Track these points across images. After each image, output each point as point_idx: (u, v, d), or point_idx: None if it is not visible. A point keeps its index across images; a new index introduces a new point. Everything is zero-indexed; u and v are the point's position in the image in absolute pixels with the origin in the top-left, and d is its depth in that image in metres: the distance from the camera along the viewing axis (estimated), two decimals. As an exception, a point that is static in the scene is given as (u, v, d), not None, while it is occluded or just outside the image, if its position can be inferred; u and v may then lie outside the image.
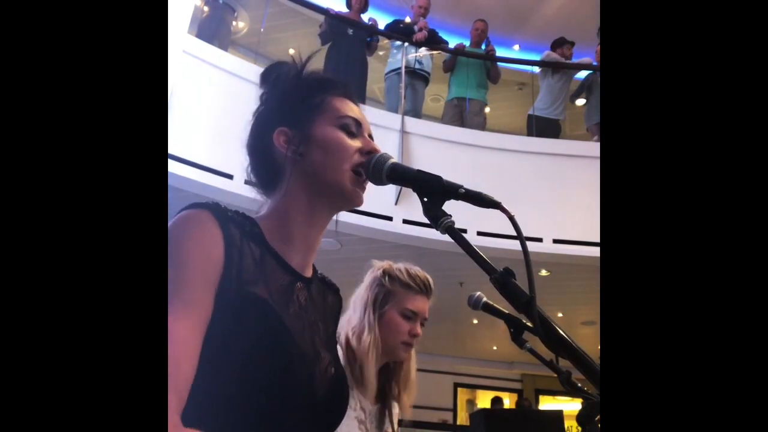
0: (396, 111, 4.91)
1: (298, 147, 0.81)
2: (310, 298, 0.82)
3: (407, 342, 1.41)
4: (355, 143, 0.82)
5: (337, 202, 0.83)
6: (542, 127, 5.42)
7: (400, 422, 1.51)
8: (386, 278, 1.43)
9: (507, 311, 1.20)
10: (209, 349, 0.65)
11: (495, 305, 1.29)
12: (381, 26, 5.57)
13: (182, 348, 0.63)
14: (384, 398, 1.44)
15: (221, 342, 0.66)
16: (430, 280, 1.49)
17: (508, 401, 8.95)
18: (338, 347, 1.27)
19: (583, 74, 5.94)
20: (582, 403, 1.11)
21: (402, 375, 1.46)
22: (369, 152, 0.82)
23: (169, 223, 0.70)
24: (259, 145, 0.85)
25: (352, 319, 1.42)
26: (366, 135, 0.84)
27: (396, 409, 1.47)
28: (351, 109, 0.85)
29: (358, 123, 0.84)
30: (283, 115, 0.83)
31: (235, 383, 0.67)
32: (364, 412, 1.38)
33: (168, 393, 0.58)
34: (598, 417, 1.09)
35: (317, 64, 0.91)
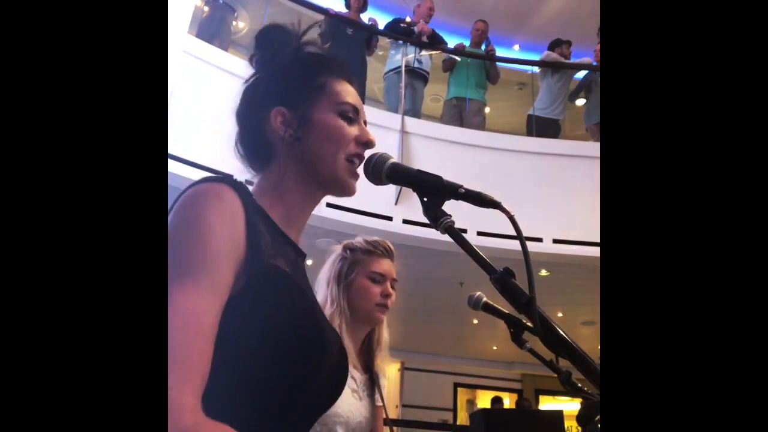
0: (395, 110, 4.91)
1: (295, 130, 0.79)
2: (305, 273, 0.82)
3: (381, 303, 1.45)
4: (353, 131, 0.81)
5: (330, 189, 0.83)
6: (542, 127, 5.42)
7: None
8: (347, 251, 1.49)
9: (507, 311, 1.20)
10: (239, 323, 0.64)
11: (495, 305, 1.29)
12: (381, 26, 5.57)
13: (207, 327, 0.61)
14: (370, 368, 1.49)
15: (251, 316, 0.65)
16: (390, 244, 1.54)
17: (508, 401, 8.94)
18: None
19: (582, 74, 5.94)
20: (582, 403, 1.11)
21: (375, 341, 1.51)
22: (365, 143, 0.82)
23: (184, 198, 0.68)
24: (252, 119, 0.82)
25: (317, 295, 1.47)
26: (362, 122, 0.84)
27: (383, 380, 1.51)
28: (350, 93, 0.83)
29: (356, 109, 0.83)
30: (281, 93, 0.81)
31: (266, 358, 0.66)
32: (355, 381, 1.42)
33: (186, 376, 0.57)
34: (598, 417, 1.09)
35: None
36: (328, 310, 1.41)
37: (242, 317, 0.65)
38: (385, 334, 1.54)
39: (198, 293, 0.62)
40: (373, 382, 1.48)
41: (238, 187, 0.71)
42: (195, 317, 0.61)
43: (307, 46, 0.84)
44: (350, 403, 1.37)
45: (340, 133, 0.80)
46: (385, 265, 1.48)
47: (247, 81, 0.85)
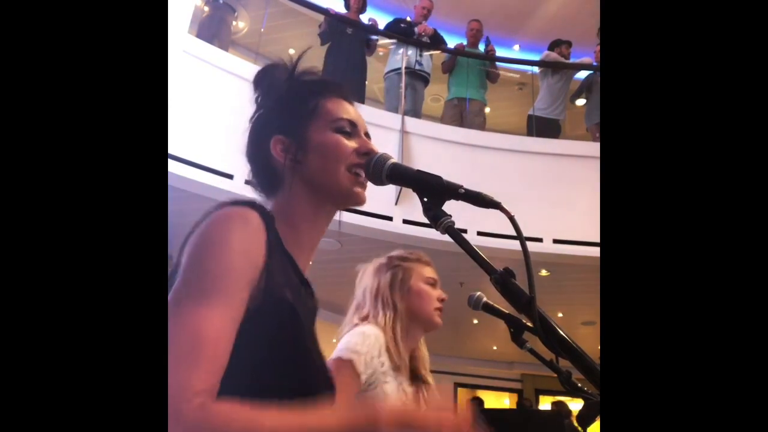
0: (396, 111, 4.91)
1: (295, 155, 0.81)
2: (309, 300, 0.82)
3: (439, 307, 1.50)
4: (351, 144, 0.82)
5: (339, 203, 0.84)
6: (542, 127, 5.41)
7: None
8: (397, 260, 1.52)
9: (507, 311, 1.20)
10: (243, 347, 0.65)
11: (495, 305, 1.30)
12: (381, 26, 5.57)
13: (222, 341, 0.62)
14: (417, 381, 1.49)
15: (253, 344, 0.66)
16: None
17: (508, 401, 8.94)
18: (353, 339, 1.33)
19: (583, 74, 5.94)
20: (552, 404, 1.11)
21: (420, 356, 1.52)
22: (366, 153, 0.82)
23: (213, 218, 0.70)
24: (257, 153, 0.85)
25: (362, 307, 1.47)
26: (362, 134, 0.85)
27: (425, 393, 1.51)
28: (345, 110, 0.85)
29: (353, 124, 0.84)
30: (278, 123, 0.84)
31: (261, 383, 0.67)
32: (405, 395, 1.42)
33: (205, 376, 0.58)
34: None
35: (316, 62, 0.91)
36: (380, 319, 1.41)
37: (245, 343, 0.65)
38: (425, 350, 1.55)
39: (214, 311, 0.63)
40: (419, 396, 1.48)
41: (264, 212, 0.72)
42: (208, 334, 0.61)
43: (300, 75, 0.87)
44: None
45: (337, 147, 0.81)
46: (434, 272, 1.54)
47: (251, 119, 0.87)
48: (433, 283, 1.51)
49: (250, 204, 0.72)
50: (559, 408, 5.67)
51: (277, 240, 0.76)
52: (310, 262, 0.87)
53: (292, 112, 0.84)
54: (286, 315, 0.71)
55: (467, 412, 0.68)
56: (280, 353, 0.69)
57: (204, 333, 0.61)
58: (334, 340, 1.41)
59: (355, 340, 1.33)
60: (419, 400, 1.47)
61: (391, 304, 1.43)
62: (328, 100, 0.85)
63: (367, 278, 1.52)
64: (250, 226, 0.69)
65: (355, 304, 1.50)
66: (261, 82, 0.87)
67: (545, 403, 9.05)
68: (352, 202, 0.83)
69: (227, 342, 0.63)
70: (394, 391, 1.36)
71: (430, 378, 1.51)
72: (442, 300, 1.51)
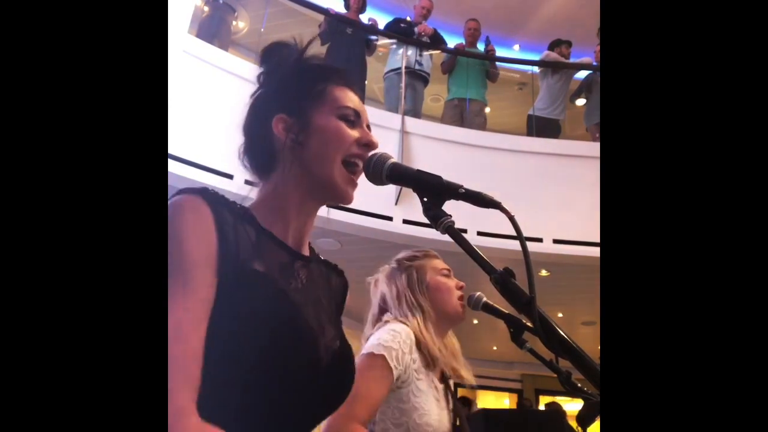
0: (396, 111, 4.91)
1: (297, 135, 0.81)
2: (311, 277, 0.82)
3: (460, 297, 1.48)
4: (353, 133, 0.82)
5: (327, 196, 0.83)
6: (542, 127, 5.42)
7: None
8: (407, 261, 1.50)
9: (507, 311, 1.20)
10: (212, 327, 0.65)
11: (495, 305, 1.30)
12: (381, 26, 5.57)
13: (192, 332, 0.63)
14: (446, 377, 1.49)
15: (222, 318, 0.66)
16: None
17: (508, 401, 8.93)
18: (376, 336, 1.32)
19: (583, 74, 5.94)
20: (553, 405, 1.11)
21: (451, 349, 1.51)
22: (366, 144, 0.82)
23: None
24: (256, 129, 0.84)
25: (387, 312, 1.45)
26: (364, 125, 0.85)
27: (451, 387, 1.51)
28: (351, 99, 0.85)
29: (357, 113, 0.84)
30: (283, 102, 0.83)
31: (239, 355, 0.67)
32: (437, 390, 1.41)
33: (180, 382, 0.59)
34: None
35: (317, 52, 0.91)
36: (410, 320, 1.39)
37: (218, 320, 0.66)
38: (455, 342, 1.53)
39: (179, 303, 0.63)
40: (447, 391, 1.47)
41: (210, 197, 0.72)
42: (179, 324, 0.62)
43: (309, 59, 0.87)
44: (437, 413, 1.36)
45: (339, 135, 0.81)
46: (444, 264, 1.52)
47: (252, 95, 0.87)
48: (447, 274, 1.50)
49: (193, 190, 0.72)
50: (554, 408, 5.68)
51: (248, 218, 0.75)
52: (308, 245, 0.86)
53: (298, 93, 0.83)
54: (251, 283, 0.70)
55: None
56: (253, 322, 0.68)
57: (175, 331, 0.61)
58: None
59: (386, 337, 1.32)
60: (447, 395, 1.45)
61: (417, 306, 1.42)
62: (335, 87, 0.85)
63: (382, 286, 1.50)
64: (195, 210, 0.69)
65: (374, 312, 1.48)
66: (269, 58, 0.87)
67: (545, 404, 9.06)
68: (339, 199, 0.83)
69: (198, 332, 0.63)
70: (426, 387, 1.35)
71: (464, 371, 1.47)
72: (460, 288, 1.50)
